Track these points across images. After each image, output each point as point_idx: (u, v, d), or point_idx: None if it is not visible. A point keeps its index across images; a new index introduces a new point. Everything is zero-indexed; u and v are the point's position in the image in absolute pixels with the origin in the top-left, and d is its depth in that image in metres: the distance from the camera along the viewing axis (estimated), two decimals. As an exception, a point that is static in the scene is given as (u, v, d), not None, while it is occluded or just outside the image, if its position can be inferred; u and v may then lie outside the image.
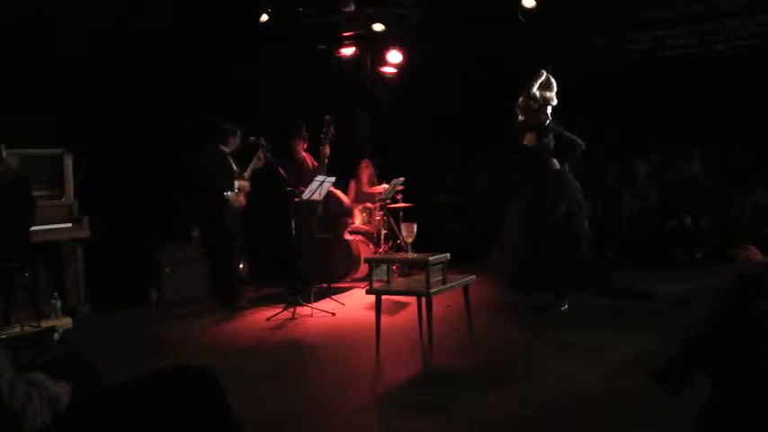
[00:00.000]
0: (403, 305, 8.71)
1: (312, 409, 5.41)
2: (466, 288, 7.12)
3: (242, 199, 9.64)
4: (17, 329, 7.68)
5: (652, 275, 9.90)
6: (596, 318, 7.90)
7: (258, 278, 11.04)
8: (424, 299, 6.70)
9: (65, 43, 9.22)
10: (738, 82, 11.94)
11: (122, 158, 9.85)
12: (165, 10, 9.49)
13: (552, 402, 5.21)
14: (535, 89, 8.21)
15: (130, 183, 9.91)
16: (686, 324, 4.47)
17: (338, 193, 10.76)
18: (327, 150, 10.18)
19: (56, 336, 7.90)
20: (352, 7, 10.31)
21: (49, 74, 9.14)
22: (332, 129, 10.14)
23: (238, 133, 9.59)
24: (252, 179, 9.78)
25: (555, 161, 8.26)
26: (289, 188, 9.20)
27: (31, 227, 8.14)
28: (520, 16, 10.08)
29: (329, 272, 10.55)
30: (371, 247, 11.25)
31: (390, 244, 11.43)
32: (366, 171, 12.07)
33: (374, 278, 7.22)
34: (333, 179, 9.69)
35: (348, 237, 10.95)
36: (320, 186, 9.32)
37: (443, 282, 6.86)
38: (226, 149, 9.52)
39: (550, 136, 8.23)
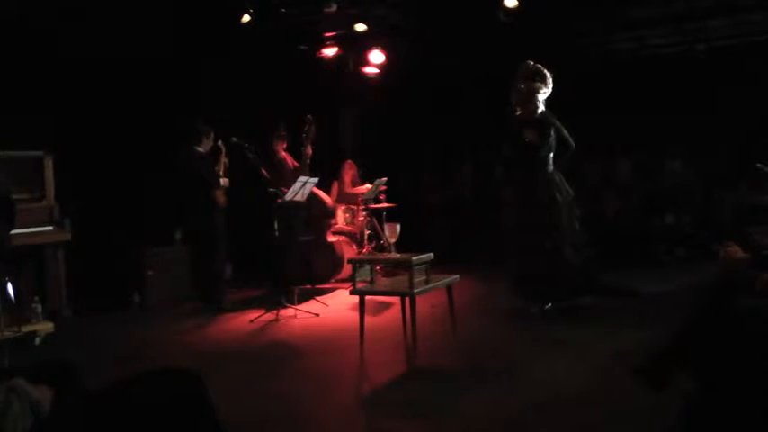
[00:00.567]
0: (387, 305, 8.70)
1: (296, 410, 5.39)
2: (449, 288, 7.13)
3: (223, 197, 9.62)
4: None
5: (635, 273, 9.92)
6: (580, 316, 7.90)
7: (242, 280, 11.02)
8: (407, 299, 6.71)
9: (45, 45, 9.17)
10: (719, 81, 12.00)
11: (104, 160, 9.79)
12: (144, 11, 9.45)
13: (537, 401, 5.21)
14: (521, 81, 8.16)
15: (112, 185, 9.86)
16: (669, 322, 4.48)
17: (321, 193, 10.74)
18: (310, 151, 10.16)
19: (37, 340, 7.86)
20: (334, 7, 10.31)
21: (29, 76, 9.08)
22: (313, 129, 10.12)
23: (212, 134, 9.57)
24: (227, 176, 9.77)
25: (551, 161, 8.15)
26: (271, 189, 9.17)
27: (11, 230, 8.08)
28: (501, 16, 10.09)
29: (313, 273, 10.52)
30: (355, 247, 11.25)
31: (374, 244, 11.42)
32: (349, 172, 12.06)
33: (358, 279, 7.21)
34: (315, 180, 9.67)
35: (331, 238, 10.94)
36: (303, 187, 9.29)
37: (427, 282, 6.86)
38: (200, 150, 9.49)
39: (552, 132, 8.08)
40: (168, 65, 10.43)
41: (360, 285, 7.16)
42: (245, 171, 9.64)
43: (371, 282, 7.44)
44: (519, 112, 8.26)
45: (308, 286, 10.20)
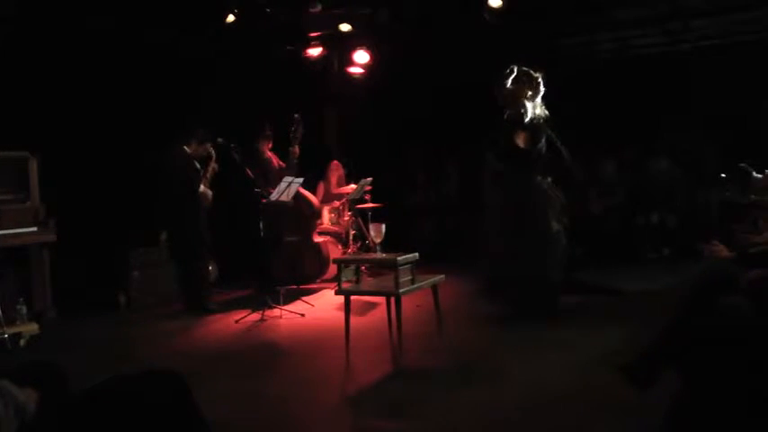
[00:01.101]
0: (373, 305, 8.71)
1: (282, 411, 5.39)
2: (435, 288, 7.14)
3: (207, 201, 9.61)
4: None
5: (620, 273, 9.96)
6: (565, 315, 7.91)
7: (227, 280, 11.01)
8: (393, 299, 6.72)
9: (28, 45, 9.14)
10: (703, 81, 12.04)
11: (89, 161, 9.77)
12: (128, 10, 9.44)
13: (523, 401, 5.22)
14: (508, 83, 8.12)
15: (97, 185, 9.83)
16: (654, 320, 4.50)
17: (307, 193, 10.73)
18: (297, 151, 10.15)
19: (22, 342, 7.84)
20: (319, 8, 10.31)
21: (12, 76, 9.05)
22: (301, 129, 10.11)
23: (201, 136, 9.54)
24: (213, 183, 9.75)
25: (540, 166, 8.05)
26: (257, 189, 9.17)
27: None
28: (486, 16, 10.11)
29: (298, 273, 10.52)
30: (340, 247, 11.25)
31: (359, 244, 11.43)
32: (335, 173, 12.06)
33: (343, 278, 7.21)
34: (300, 180, 9.67)
35: (317, 238, 10.93)
36: (288, 187, 9.29)
37: (412, 282, 6.86)
38: (189, 150, 9.47)
39: (543, 139, 7.99)
40: (155, 66, 10.41)
41: (345, 285, 7.17)
42: (230, 171, 9.63)
43: (357, 282, 7.44)
44: (507, 114, 8.19)
45: (294, 286, 10.19)
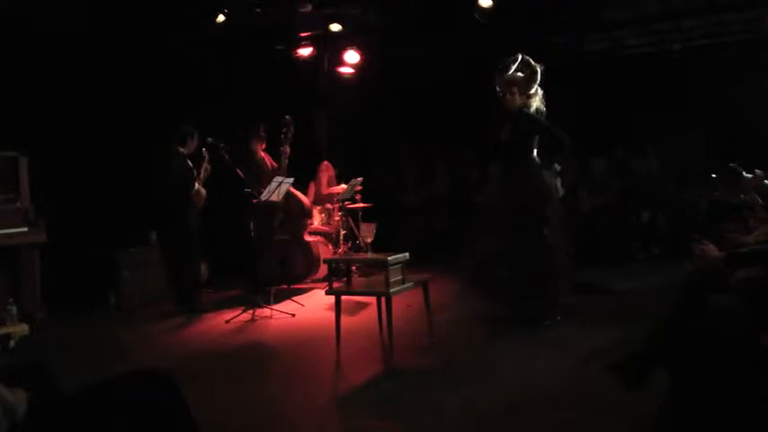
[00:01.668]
0: (363, 305, 8.70)
1: (273, 410, 5.40)
2: (425, 287, 7.13)
3: (200, 201, 9.61)
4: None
5: (610, 271, 9.98)
6: (556, 315, 7.91)
7: (218, 280, 11.00)
8: (383, 299, 6.72)
9: (18, 45, 9.12)
10: (693, 81, 12.08)
11: (79, 161, 9.75)
12: (119, 11, 9.42)
13: (513, 400, 5.23)
14: (511, 69, 7.95)
15: (87, 185, 9.81)
16: (644, 319, 4.51)
17: (298, 193, 10.72)
18: (288, 151, 10.14)
19: (12, 343, 7.81)
20: (310, 7, 10.30)
21: (2, 76, 9.02)
22: (292, 129, 10.11)
23: (195, 135, 9.54)
24: (206, 183, 9.75)
25: (536, 159, 7.85)
26: (247, 189, 9.16)
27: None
28: (476, 16, 10.12)
29: (289, 273, 10.52)
30: (331, 247, 11.25)
31: (350, 244, 11.43)
32: (326, 173, 12.06)
33: (333, 278, 7.21)
34: (291, 180, 9.66)
35: (308, 238, 10.93)
36: (278, 187, 9.28)
37: (403, 281, 6.86)
38: (184, 151, 9.47)
39: (530, 131, 7.78)
40: (145, 66, 10.39)
41: (336, 285, 7.18)
42: (221, 171, 9.63)
43: (348, 282, 7.44)
44: (502, 103, 7.94)
45: (285, 286, 10.19)
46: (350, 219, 11.55)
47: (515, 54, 8.03)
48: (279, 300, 9.30)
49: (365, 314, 8.43)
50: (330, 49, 12.49)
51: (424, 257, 9.17)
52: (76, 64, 9.74)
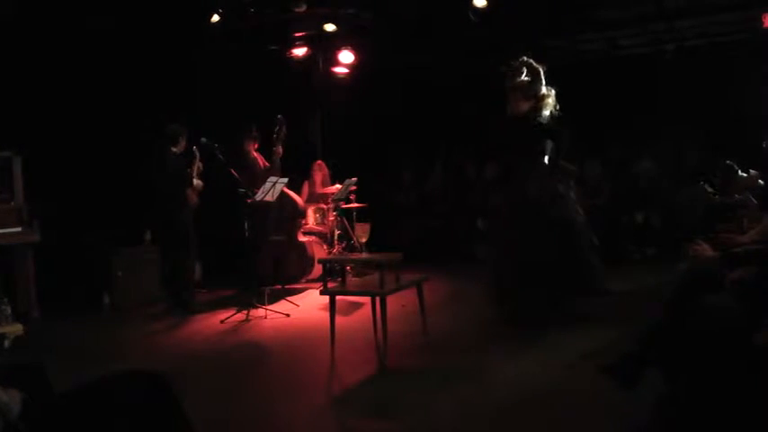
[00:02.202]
0: (357, 305, 8.69)
1: (267, 411, 5.40)
2: (420, 287, 7.14)
3: (195, 198, 9.62)
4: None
5: (605, 272, 9.97)
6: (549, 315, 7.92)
7: (212, 280, 10.98)
8: (378, 299, 6.72)
9: (10, 45, 9.11)
10: (688, 81, 12.08)
11: (73, 161, 9.74)
12: (110, 9, 9.41)
13: (507, 400, 5.23)
14: (522, 75, 7.75)
15: (81, 185, 9.80)
16: (638, 320, 4.52)
17: (292, 194, 10.72)
18: (281, 151, 10.14)
19: (6, 343, 7.80)
20: (304, 7, 10.30)
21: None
22: (284, 129, 10.10)
23: (186, 135, 9.53)
24: (201, 178, 9.78)
25: (544, 162, 7.63)
26: (242, 189, 9.15)
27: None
28: (471, 16, 10.12)
29: (283, 273, 10.51)
30: (325, 247, 11.24)
31: (344, 244, 11.41)
32: (320, 173, 12.05)
33: (328, 278, 7.20)
34: (285, 180, 9.66)
35: (302, 238, 10.92)
36: (273, 187, 9.27)
37: (397, 281, 6.87)
38: (176, 151, 9.46)
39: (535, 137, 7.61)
40: (139, 66, 10.38)
41: (330, 285, 7.17)
42: (214, 171, 9.63)
43: (342, 282, 7.44)
44: (508, 110, 7.90)
45: (279, 287, 10.16)
46: (344, 219, 11.54)
47: (518, 58, 7.98)
48: (273, 300, 9.29)
49: (360, 314, 8.42)
50: (325, 49, 12.49)
51: (418, 257, 9.17)
52: (70, 64, 9.72)
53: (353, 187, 11.35)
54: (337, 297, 7.09)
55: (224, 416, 5.22)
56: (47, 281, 9.12)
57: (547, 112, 7.75)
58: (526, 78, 7.79)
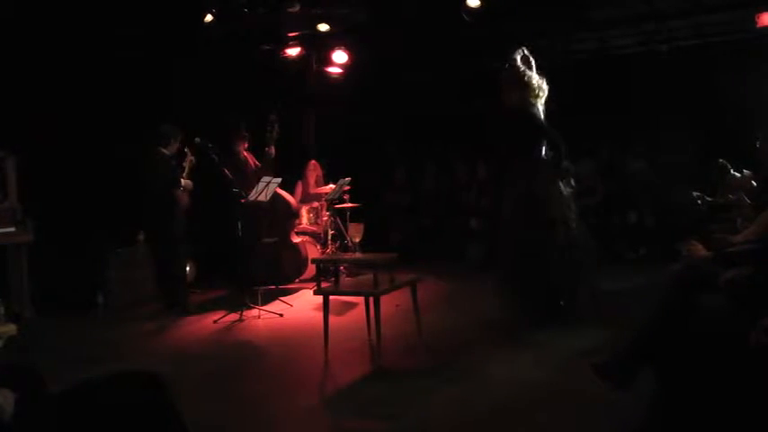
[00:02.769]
0: (351, 305, 8.69)
1: (261, 411, 5.40)
2: (414, 287, 7.14)
3: (186, 198, 9.61)
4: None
5: (598, 272, 9.98)
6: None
7: (205, 280, 10.97)
8: (372, 299, 6.72)
9: (3, 45, 9.10)
10: (681, 81, 12.09)
11: (67, 161, 9.72)
12: (104, 10, 9.40)
13: (501, 400, 5.24)
14: (517, 61, 7.87)
15: (75, 186, 9.78)
16: (632, 320, 4.52)
17: (285, 194, 10.71)
18: (273, 150, 10.14)
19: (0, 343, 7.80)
20: (297, 7, 10.29)
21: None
22: (277, 128, 10.10)
23: (179, 136, 9.52)
24: (192, 178, 9.76)
25: (539, 160, 7.77)
26: (235, 190, 9.14)
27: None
28: (464, 15, 10.12)
29: (277, 273, 10.50)
30: (319, 247, 11.23)
31: (338, 244, 11.41)
32: (313, 173, 12.03)
33: (321, 278, 7.20)
34: (279, 180, 9.65)
35: (295, 238, 10.91)
36: (266, 187, 9.27)
37: (391, 281, 6.86)
38: (166, 152, 9.44)
39: (525, 128, 7.72)
40: (132, 65, 10.36)
41: (324, 285, 7.17)
42: (208, 171, 9.61)
43: (336, 282, 7.44)
44: (504, 103, 7.91)
45: (273, 287, 10.16)
46: (338, 219, 11.54)
47: (520, 48, 8.00)
48: (267, 300, 9.28)
49: (353, 314, 8.42)
50: (318, 49, 12.49)
51: (412, 257, 9.16)
52: (63, 63, 9.70)
53: (347, 187, 11.35)
54: (331, 297, 7.07)
55: (218, 415, 5.22)
56: (40, 281, 9.11)
57: (541, 104, 7.87)
58: (519, 65, 7.83)
